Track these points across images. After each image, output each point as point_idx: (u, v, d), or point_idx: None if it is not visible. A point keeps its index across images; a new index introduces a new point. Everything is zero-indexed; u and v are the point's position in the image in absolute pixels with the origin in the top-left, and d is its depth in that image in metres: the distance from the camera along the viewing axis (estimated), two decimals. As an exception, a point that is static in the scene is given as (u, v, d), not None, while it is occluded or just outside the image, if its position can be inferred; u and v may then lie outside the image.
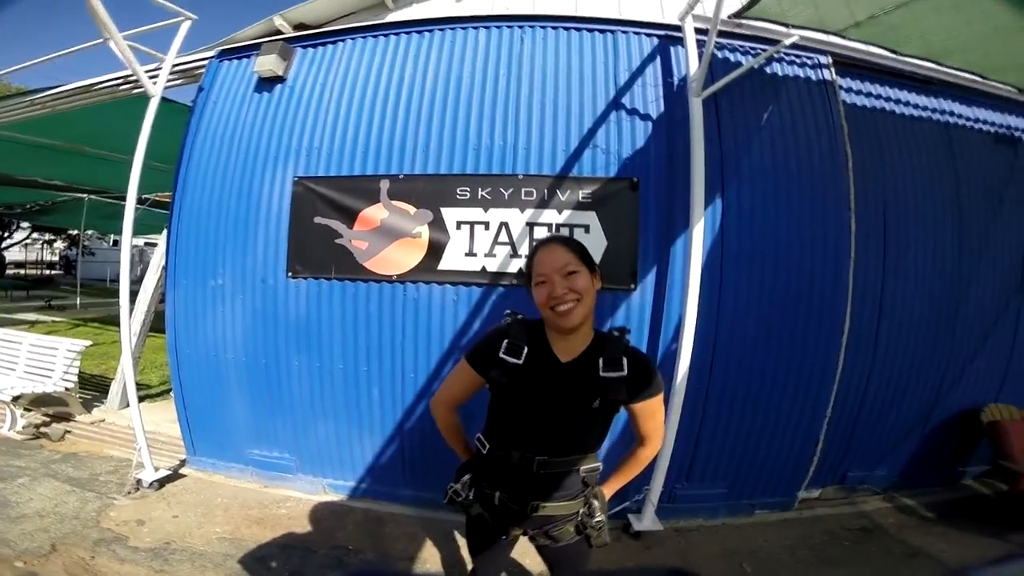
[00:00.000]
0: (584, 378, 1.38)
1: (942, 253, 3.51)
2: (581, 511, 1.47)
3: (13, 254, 23.74)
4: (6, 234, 20.67)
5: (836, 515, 3.37)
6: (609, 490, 1.58)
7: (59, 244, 25.46)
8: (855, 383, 3.37)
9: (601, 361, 1.37)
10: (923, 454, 3.67)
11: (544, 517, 1.46)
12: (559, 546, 1.51)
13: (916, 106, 3.63)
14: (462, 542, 2.96)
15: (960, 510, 3.42)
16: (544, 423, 1.40)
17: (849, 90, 3.50)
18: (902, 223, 3.42)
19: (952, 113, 3.68)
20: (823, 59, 3.44)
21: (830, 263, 3.21)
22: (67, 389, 4.46)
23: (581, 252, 1.37)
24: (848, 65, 3.51)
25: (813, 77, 3.42)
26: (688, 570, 2.77)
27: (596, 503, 1.48)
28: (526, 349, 1.41)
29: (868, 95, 3.55)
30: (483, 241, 3.20)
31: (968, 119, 3.71)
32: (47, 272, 24.68)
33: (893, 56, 3.27)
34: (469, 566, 2.70)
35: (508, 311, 1.51)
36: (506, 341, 1.43)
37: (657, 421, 1.47)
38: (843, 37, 3.06)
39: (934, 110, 3.66)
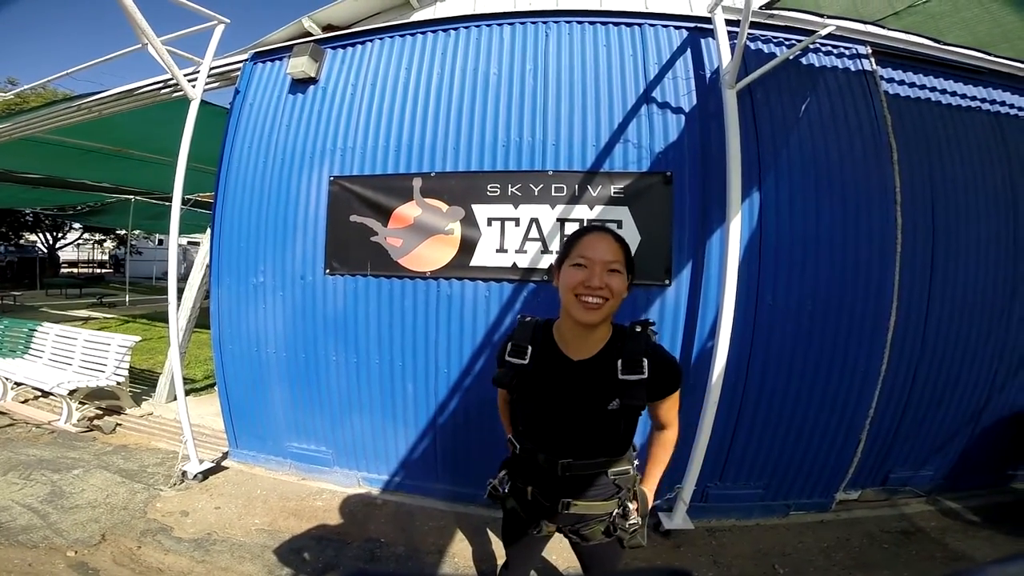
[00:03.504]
0: (599, 379, 1.33)
1: (995, 245, 3.35)
2: (615, 512, 1.44)
3: (66, 254, 25.08)
4: (60, 235, 21.79)
5: (875, 517, 3.26)
6: (649, 486, 1.54)
7: (108, 244, 26.63)
8: (900, 380, 3.25)
9: (620, 362, 1.31)
10: (971, 455, 3.51)
11: (574, 515, 1.44)
12: (589, 545, 1.50)
13: (964, 96, 3.47)
14: (492, 537, 3.00)
15: (1008, 514, 3.27)
16: (558, 424, 1.37)
17: (891, 80, 3.37)
18: (951, 214, 3.27)
19: (1004, 103, 3.51)
20: (862, 49, 3.34)
21: (875, 256, 3.11)
22: (118, 383, 4.65)
23: (627, 253, 1.32)
24: (889, 55, 3.38)
25: (852, 68, 3.31)
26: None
27: (631, 505, 1.45)
28: (530, 349, 1.39)
29: (912, 85, 3.41)
30: (514, 237, 3.22)
31: (1021, 109, 3.53)
32: (98, 271, 25.86)
33: (936, 45, 3.13)
34: (500, 560, 2.74)
35: (520, 315, 1.50)
36: (510, 344, 1.43)
37: (676, 409, 1.45)
38: (881, 27, 2.96)
39: (983, 100, 3.49)
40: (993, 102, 3.50)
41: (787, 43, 3.27)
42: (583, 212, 3.15)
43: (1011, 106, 3.52)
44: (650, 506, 1.53)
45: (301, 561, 2.73)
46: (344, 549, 2.84)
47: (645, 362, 1.31)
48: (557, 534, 1.57)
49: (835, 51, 3.33)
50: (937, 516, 3.29)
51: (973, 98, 3.48)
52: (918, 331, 3.24)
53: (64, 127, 5.21)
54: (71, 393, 4.34)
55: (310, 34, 4.04)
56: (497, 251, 3.22)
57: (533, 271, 3.18)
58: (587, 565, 1.61)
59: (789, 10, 3.05)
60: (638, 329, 1.37)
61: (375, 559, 2.78)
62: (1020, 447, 3.53)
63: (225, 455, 3.93)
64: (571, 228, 3.15)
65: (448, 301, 3.30)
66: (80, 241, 25.08)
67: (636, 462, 1.49)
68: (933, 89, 3.43)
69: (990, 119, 3.48)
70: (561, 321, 1.41)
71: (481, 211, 3.26)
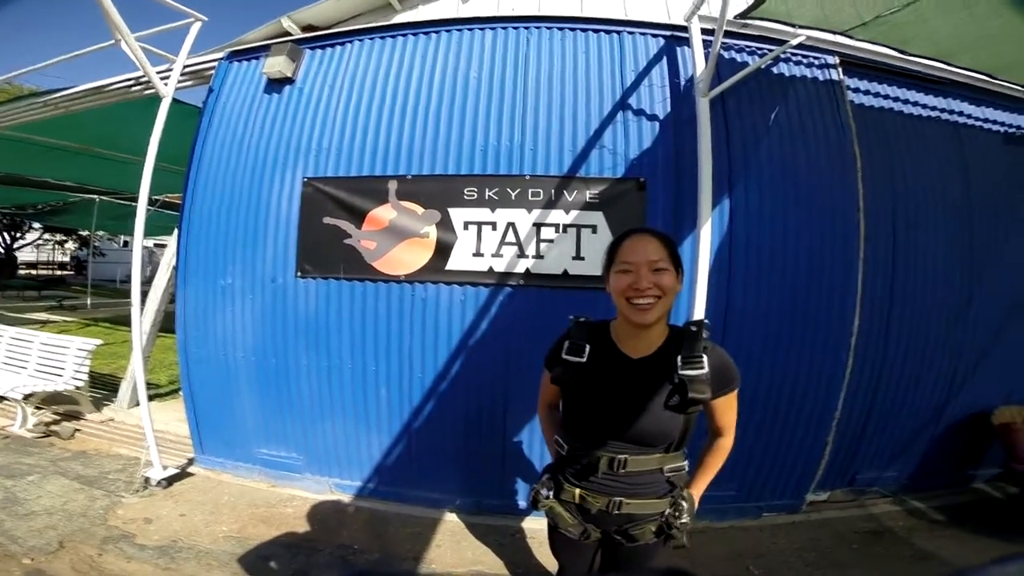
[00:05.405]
0: (659, 375, 1.35)
1: (953, 253, 3.48)
2: (667, 511, 1.43)
3: (25, 255, 24.01)
4: (18, 235, 20.92)
5: (844, 518, 3.34)
6: (697, 490, 1.54)
7: (70, 245, 25.67)
8: (864, 383, 3.34)
9: (679, 359, 1.33)
10: (934, 457, 3.63)
11: (625, 515, 1.43)
12: (633, 546, 1.47)
13: (925, 106, 3.60)
14: (468, 543, 2.97)
15: (971, 513, 3.38)
16: (617, 420, 1.37)
17: (857, 90, 3.48)
18: (912, 223, 3.39)
19: (962, 113, 3.65)
20: (830, 59, 3.43)
21: (839, 263, 3.19)
22: (77, 388, 4.47)
23: (672, 250, 1.33)
24: (856, 65, 3.49)
25: (820, 77, 3.41)
26: (686, 570, 2.75)
27: (684, 504, 1.44)
28: (588, 347, 1.41)
29: (876, 95, 3.53)
30: (490, 241, 3.20)
31: (978, 119, 3.68)
32: (58, 272, 24.88)
33: (901, 56, 3.25)
34: (477, 567, 2.71)
35: (572, 315, 1.51)
36: (567, 342, 1.44)
37: (734, 413, 1.46)
38: (850, 37, 3.06)
39: (943, 110, 3.63)
40: (952, 112, 3.64)
41: (759, 52, 3.35)
42: (559, 217, 3.16)
43: (969, 116, 3.67)
44: (697, 502, 1.52)
45: (271, 569, 2.66)
46: (314, 556, 2.77)
47: (704, 358, 1.33)
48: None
49: (805, 61, 3.42)
50: (903, 516, 3.38)
51: (934, 108, 3.62)
52: (880, 334, 3.34)
53: (28, 123, 5.03)
54: (26, 397, 4.15)
55: (289, 34, 3.99)
56: (473, 255, 3.21)
57: (509, 275, 3.17)
58: (617, 568, 1.58)
59: (763, 19, 3.13)
60: (694, 328, 1.37)
61: (347, 566, 2.72)
62: (977, 448, 3.67)
63: (191, 461, 3.80)
64: (547, 232, 3.16)
65: (423, 305, 3.27)
66: (40, 242, 24.11)
67: (687, 461, 1.47)
68: (896, 99, 3.55)
69: (949, 129, 3.62)
70: (618, 323, 1.44)
71: (457, 215, 3.24)
